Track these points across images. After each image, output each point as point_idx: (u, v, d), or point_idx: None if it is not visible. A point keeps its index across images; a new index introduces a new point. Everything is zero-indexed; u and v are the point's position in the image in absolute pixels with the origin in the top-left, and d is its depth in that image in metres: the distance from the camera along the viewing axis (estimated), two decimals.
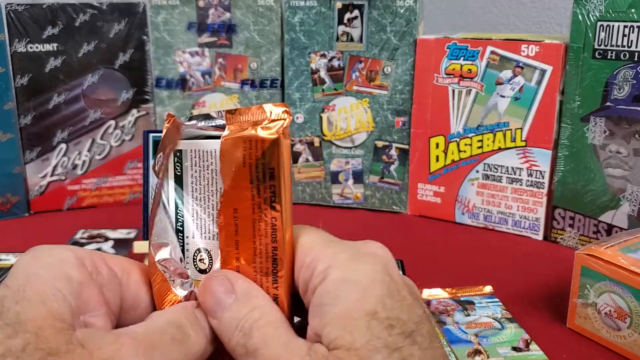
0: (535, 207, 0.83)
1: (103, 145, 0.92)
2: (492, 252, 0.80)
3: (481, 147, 0.85)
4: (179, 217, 0.34)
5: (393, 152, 0.92)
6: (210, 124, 0.33)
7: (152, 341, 0.28)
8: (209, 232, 0.33)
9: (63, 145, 0.90)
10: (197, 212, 0.34)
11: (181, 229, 0.34)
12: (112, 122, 0.92)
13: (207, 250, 0.33)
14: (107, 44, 0.89)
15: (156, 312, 0.32)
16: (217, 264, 0.33)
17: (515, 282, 0.69)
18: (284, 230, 0.31)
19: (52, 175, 0.91)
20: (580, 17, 0.74)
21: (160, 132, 0.82)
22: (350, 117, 0.92)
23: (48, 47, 0.87)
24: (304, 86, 0.92)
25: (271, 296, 0.32)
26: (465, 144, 0.86)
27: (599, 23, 0.73)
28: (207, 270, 0.33)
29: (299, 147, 0.94)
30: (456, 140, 0.86)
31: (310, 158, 0.95)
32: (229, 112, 0.33)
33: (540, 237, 0.84)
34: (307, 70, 0.92)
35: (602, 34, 0.73)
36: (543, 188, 0.82)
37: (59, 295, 0.27)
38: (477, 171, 0.86)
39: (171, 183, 0.34)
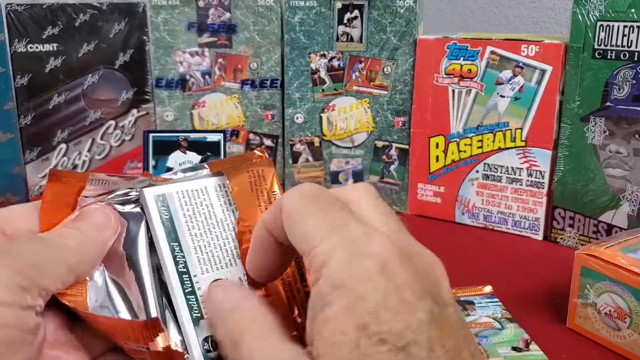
0: (535, 207, 0.83)
1: (103, 145, 0.92)
2: (492, 252, 0.80)
3: (481, 147, 0.85)
4: (179, 261, 0.33)
5: (393, 152, 0.92)
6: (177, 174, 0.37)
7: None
8: (220, 262, 0.34)
9: (63, 145, 0.90)
10: (200, 248, 0.34)
11: (185, 270, 0.33)
12: (112, 122, 0.92)
13: (223, 279, 0.34)
14: (107, 44, 0.89)
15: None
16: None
17: (515, 282, 0.70)
18: None
19: None
20: (580, 17, 0.74)
21: (161, 132, 0.83)
22: (350, 117, 0.92)
23: (48, 47, 0.87)
24: (304, 86, 0.92)
25: (300, 301, 0.33)
26: (465, 144, 0.86)
27: (599, 23, 0.73)
28: None
29: (299, 147, 0.94)
30: (456, 140, 0.86)
31: (310, 158, 0.95)
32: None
33: (540, 237, 0.84)
34: (307, 70, 0.92)
35: (602, 34, 0.73)
36: (543, 188, 0.82)
37: None
38: (477, 171, 0.86)
39: (159, 232, 0.34)
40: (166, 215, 0.34)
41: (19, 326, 0.26)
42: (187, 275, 0.33)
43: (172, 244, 0.33)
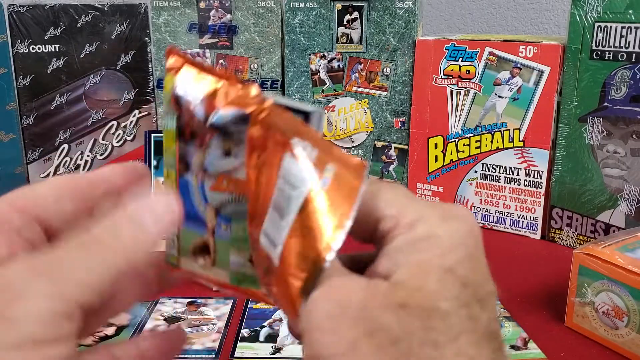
0: (533, 207, 0.84)
1: (105, 145, 0.93)
2: (490, 251, 0.80)
3: (479, 147, 0.85)
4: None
5: (392, 152, 0.93)
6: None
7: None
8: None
9: (65, 146, 0.91)
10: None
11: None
12: (114, 123, 0.92)
13: None
14: (108, 45, 0.90)
15: None
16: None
17: (513, 281, 0.70)
18: None
19: (54, 175, 0.91)
20: (578, 18, 0.74)
21: (161, 132, 0.83)
22: (349, 117, 0.93)
23: (50, 48, 0.87)
24: (304, 87, 0.93)
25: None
26: (464, 144, 0.86)
27: (597, 24, 0.73)
28: None
29: None
30: (455, 141, 0.87)
31: None
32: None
33: (538, 236, 0.84)
34: (307, 71, 0.92)
35: (600, 35, 0.73)
36: (541, 188, 0.83)
37: None
38: (476, 171, 0.87)
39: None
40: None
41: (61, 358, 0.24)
42: None
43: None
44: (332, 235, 0.27)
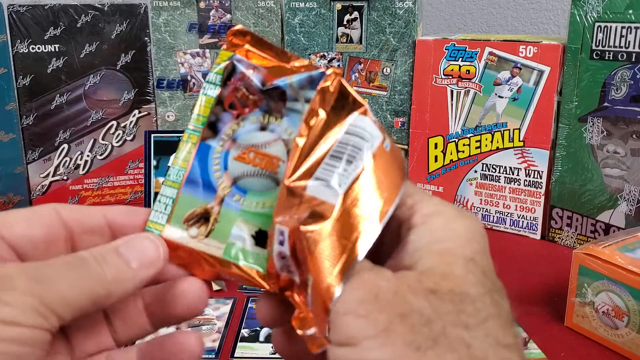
0: (533, 207, 0.84)
1: (105, 145, 0.92)
2: (490, 251, 0.80)
3: (479, 147, 0.85)
4: None
5: None
6: None
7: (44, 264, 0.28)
8: None
9: (65, 146, 0.91)
10: None
11: None
12: (114, 123, 0.92)
13: None
14: (108, 45, 0.90)
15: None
16: None
17: (513, 281, 0.70)
18: None
19: (54, 175, 0.91)
20: (578, 18, 0.74)
21: (162, 132, 0.83)
22: None
23: (50, 48, 0.87)
24: None
25: None
26: (464, 144, 0.86)
27: (597, 24, 0.73)
28: None
29: None
30: (455, 141, 0.87)
31: None
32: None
33: (538, 236, 0.84)
34: None
35: (600, 35, 0.73)
36: (541, 188, 0.83)
37: None
38: (476, 171, 0.87)
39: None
40: None
41: (32, 344, 0.27)
42: None
43: None
44: (382, 208, 0.29)
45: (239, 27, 0.32)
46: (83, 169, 0.92)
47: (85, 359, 0.32)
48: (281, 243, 0.29)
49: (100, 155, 0.93)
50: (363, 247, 0.28)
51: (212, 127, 0.33)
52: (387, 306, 0.26)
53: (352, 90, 0.30)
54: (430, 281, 0.27)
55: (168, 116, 0.94)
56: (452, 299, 0.26)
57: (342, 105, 0.30)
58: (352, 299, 0.26)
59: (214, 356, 0.56)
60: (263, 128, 0.32)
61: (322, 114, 0.29)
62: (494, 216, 0.87)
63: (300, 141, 0.29)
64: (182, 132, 0.36)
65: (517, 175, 0.84)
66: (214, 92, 0.33)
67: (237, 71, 0.32)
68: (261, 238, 0.32)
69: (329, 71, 0.30)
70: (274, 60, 0.32)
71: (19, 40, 0.85)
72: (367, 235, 0.28)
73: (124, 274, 0.29)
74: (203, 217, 0.32)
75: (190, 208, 0.32)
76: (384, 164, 0.29)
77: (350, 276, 0.27)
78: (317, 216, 0.28)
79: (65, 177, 0.92)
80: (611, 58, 0.73)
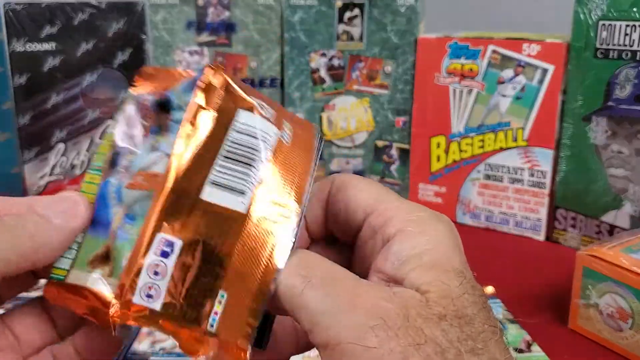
0: (537, 208, 0.83)
1: None
2: (493, 252, 0.79)
3: (482, 147, 0.85)
4: None
5: (394, 151, 0.92)
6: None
7: None
8: None
9: (61, 145, 0.90)
10: None
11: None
12: (110, 122, 0.92)
13: None
14: (105, 43, 0.89)
15: None
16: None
17: (516, 283, 0.69)
18: None
19: (50, 175, 0.90)
20: (582, 16, 0.74)
21: None
22: (350, 116, 0.92)
23: (46, 46, 0.86)
24: (304, 85, 0.92)
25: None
26: (467, 144, 0.86)
27: (601, 22, 0.72)
28: None
29: None
30: (457, 140, 0.86)
31: None
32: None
33: (542, 237, 0.83)
34: (307, 70, 0.91)
35: (604, 33, 0.72)
36: (545, 188, 0.82)
37: None
38: (479, 171, 0.86)
39: None
40: None
41: None
42: None
43: None
44: (297, 197, 0.28)
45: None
46: (80, 169, 0.92)
47: (33, 355, 0.31)
48: (164, 255, 0.27)
49: None
50: (280, 256, 0.27)
51: (111, 163, 0.31)
52: (400, 333, 0.25)
53: (236, 86, 0.29)
54: (438, 305, 0.26)
55: None
56: (459, 324, 0.26)
57: (226, 101, 0.29)
58: (351, 324, 0.25)
59: None
60: (154, 149, 0.30)
61: (203, 115, 0.28)
62: (497, 217, 0.86)
63: (177, 148, 0.28)
64: None
65: (521, 175, 0.83)
66: (114, 128, 0.31)
67: (138, 101, 0.31)
68: None
69: (205, 68, 0.29)
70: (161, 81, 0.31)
71: (15, 39, 0.84)
72: (283, 242, 0.27)
73: (46, 228, 0.29)
74: (105, 257, 0.30)
75: (95, 249, 0.30)
76: (286, 160, 0.29)
77: (332, 286, 0.27)
78: (220, 225, 0.27)
79: (62, 177, 0.91)
80: (615, 57, 0.72)
